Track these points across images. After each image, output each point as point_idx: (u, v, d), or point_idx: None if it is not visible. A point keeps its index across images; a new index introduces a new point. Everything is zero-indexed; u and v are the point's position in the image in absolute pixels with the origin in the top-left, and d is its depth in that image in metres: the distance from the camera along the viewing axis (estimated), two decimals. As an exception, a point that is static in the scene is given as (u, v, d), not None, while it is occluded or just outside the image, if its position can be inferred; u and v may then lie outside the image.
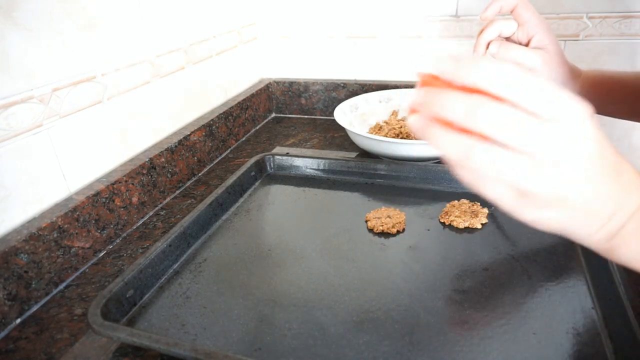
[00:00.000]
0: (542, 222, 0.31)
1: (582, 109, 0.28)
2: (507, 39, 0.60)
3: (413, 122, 0.31)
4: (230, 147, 0.93)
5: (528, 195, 0.29)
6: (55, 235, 0.55)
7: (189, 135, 0.80)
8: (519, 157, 0.27)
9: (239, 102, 0.96)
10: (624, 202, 0.30)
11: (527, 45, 0.59)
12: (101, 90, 0.64)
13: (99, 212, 0.61)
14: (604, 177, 0.29)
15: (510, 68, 0.27)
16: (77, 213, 0.58)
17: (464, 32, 0.94)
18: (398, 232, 0.61)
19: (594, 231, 0.30)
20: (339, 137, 0.96)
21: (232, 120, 0.93)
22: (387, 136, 0.82)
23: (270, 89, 1.10)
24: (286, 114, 1.12)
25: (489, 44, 0.59)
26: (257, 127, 1.05)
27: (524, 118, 0.27)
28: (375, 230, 0.61)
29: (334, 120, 0.84)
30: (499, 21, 0.58)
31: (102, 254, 0.62)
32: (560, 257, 0.55)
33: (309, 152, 0.90)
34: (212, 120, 0.86)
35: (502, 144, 0.27)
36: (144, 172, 0.69)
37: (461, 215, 0.62)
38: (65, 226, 0.56)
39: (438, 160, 0.79)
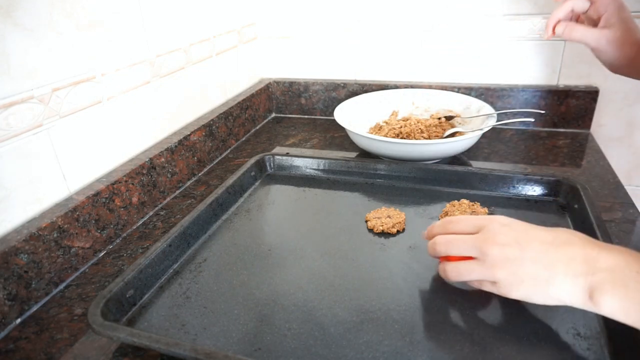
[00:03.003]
0: (522, 298, 0.43)
1: (487, 219, 0.45)
2: (579, 17, 0.64)
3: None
4: (230, 147, 0.93)
5: (496, 282, 0.43)
6: (55, 235, 0.55)
7: (189, 135, 0.80)
8: (474, 263, 0.44)
9: (239, 102, 0.96)
10: (572, 263, 0.39)
11: (597, 22, 0.61)
12: (101, 90, 0.64)
13: (99, 212, 0.61)
14: (549, 246, 0.41)
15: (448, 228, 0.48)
16: (77, 213, 0.58)
17: (465, 32, 0.94)
18: (398, 232, 0.61)
19: (555, 282, 0.40)
20: (339, 137, 0.96)
21: (232, 120, 0.93)
22: (387, 136, 0.82)
23: (270, 89, 1.10)
24: (286, 114, 1.12)
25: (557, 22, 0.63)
26: (257, 127, 1.05)
27: (470, 243, 0.45)
28: (375, 230, 0.61)
29: (334, 120, 0.84)
30: (571, 0, 0.61)
31: (102, 254, 0.62)
32: (560, 257, 0.55)
33: (309, 152, 0.90)
34: (212, 120, 0.86)
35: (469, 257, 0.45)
36: (144, 172, 0.69)
37: (461, 215, 0.62)
38: (65, 226, 0.56)
39: (438, 161, 0.79)
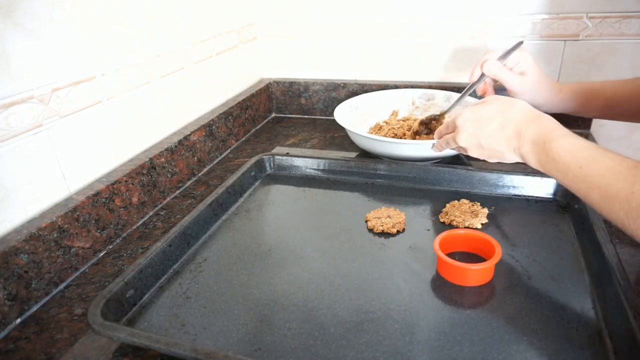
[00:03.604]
0: (483, 156, 0.58)
1: (458, 118, 0.59)
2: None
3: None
4: (230, 147, 0.93)
5: (481, 146, 0.57)
6: (55, 235, 0.55)
7: (189, 135, 0.80)
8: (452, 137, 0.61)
9: (239, 102, 0.96)
10: (510, 141, 0.53)
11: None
12: (101, 90, 0.64)
13: (99, 212, 0.61)
14: (494, 133, 0.54)
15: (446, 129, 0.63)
16: (77, 213, 0.58)
17: (465, 32, 0.94)
18: (398, 232, 0.61)
19: (507, 156, 0.55)
20: (339, 137, 0.96)
21: (232, 120, 0.93)
22: (387, 136, 0.82)
23: (270, 89, 1.10)
24: (286, 114, 1.12)
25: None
26: (257, 127, 1.05)
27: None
28: (375, 230, 0.61)
29: (334, 120, 0.84)
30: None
31: (102, 254, 0.62)
32: (560, 257, 0.55)
33: (309, 152, 0.90)
34: (212, 120, 0.86)
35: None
36: (144, 172, 0.69)
37: (461, 215, 0.62)
38: (65, 226, 0.56)
39: (438, 161, 0.79)
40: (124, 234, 0.66)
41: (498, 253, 0.51)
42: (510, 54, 0.72)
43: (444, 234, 0.55)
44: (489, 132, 0.55)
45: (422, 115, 0.93)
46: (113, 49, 0.66)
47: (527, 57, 0.72)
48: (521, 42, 0.73)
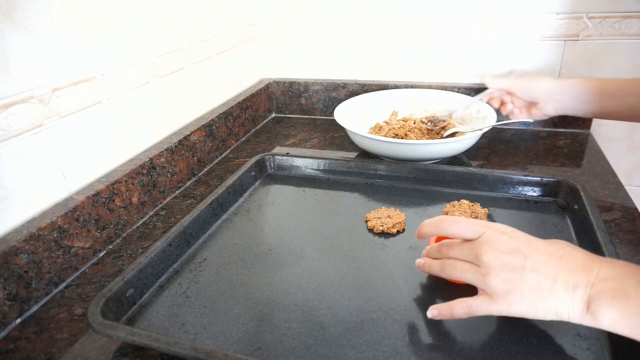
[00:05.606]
0: (522, 313, 0.41)
1: (489, 227, 0.43)
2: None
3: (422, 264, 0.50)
4: (230, 147, 0.93)
5: (492, 295, 0.41)
6: (55, 235, 0.55)
7: (189, 135, 0.80)
8: (469, 265, 0.43)
9: (239, 102, 0.96)
10: (572, 273, 0.38)
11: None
12: (101, 90, 0.64)
13: (99, 212, 0.61)
14: (548, 258, 0.40)
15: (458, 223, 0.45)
16: (77, 213, 0.58)
17: (465, 32, 0.94)
18: (398, 232, 0.61)
19: (555, 292, 0.39)
20: (339, 137, 0.96)
21: (232, 120, 0.93)
22: (387, 136, 0.82)
23: (270, 89, 1.10)
24: (286, 114, 1.12)
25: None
26: (257, 127, 1.05)
27: (467, 248, 0.44)
28: (375, 230, 0.61)
29: (334, 120, 0.84)
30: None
31: (102, 254, 0.62)
32: (560, 257, 0.55)
33: (309, 152, 0.90)
34: (212, 120, 0.86)
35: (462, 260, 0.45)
36: (144, 172, 0.69)
37: (461, 215, 0.62)
38: (65, 226, 0.56)
39: (438, 161, 0.79)
40: (124, 234, 0.66)
41: None
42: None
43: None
44: (543, 252, 0.40)
45: (421, 116, 0.93)
46: (113, 49, 0.66)
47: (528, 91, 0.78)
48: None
